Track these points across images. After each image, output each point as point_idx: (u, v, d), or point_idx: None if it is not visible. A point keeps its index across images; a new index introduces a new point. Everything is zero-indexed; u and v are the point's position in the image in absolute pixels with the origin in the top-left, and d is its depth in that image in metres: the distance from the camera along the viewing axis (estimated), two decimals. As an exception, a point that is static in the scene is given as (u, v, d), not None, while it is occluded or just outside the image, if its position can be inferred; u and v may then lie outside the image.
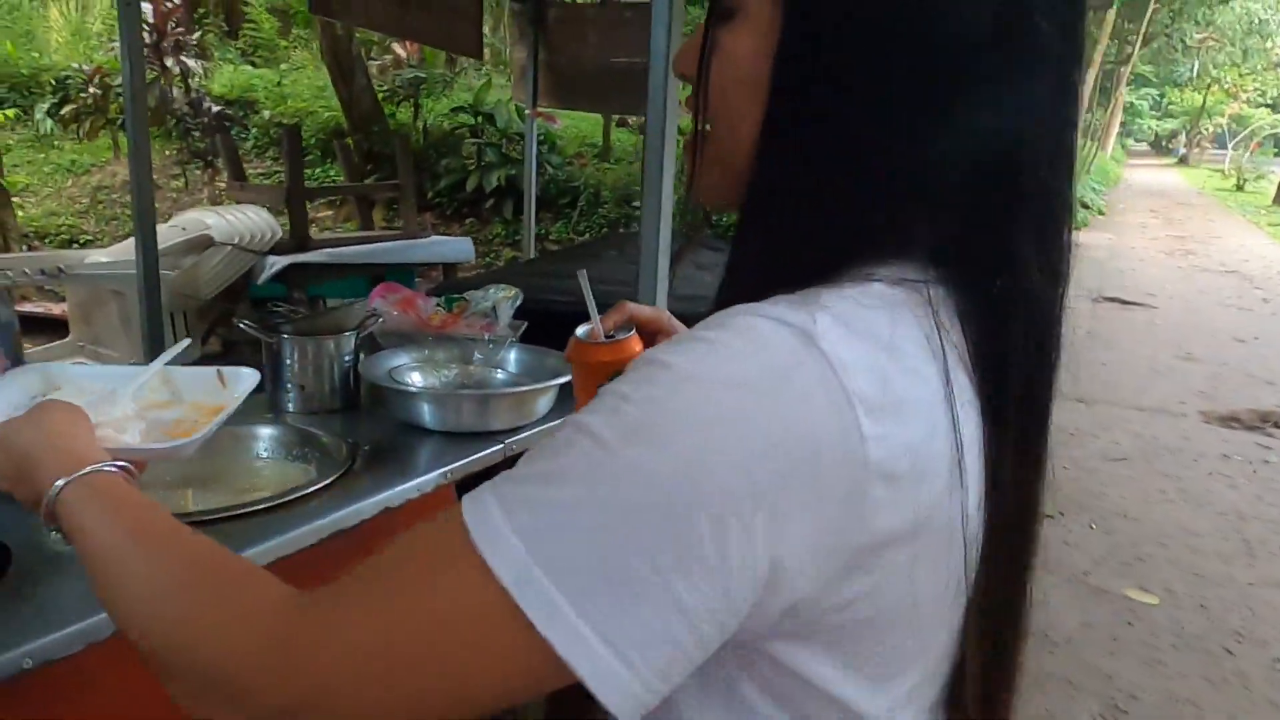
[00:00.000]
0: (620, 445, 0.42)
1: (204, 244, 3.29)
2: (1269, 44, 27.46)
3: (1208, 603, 2.94)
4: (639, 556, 0.40)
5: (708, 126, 0.54)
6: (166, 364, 1.05)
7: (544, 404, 1.53)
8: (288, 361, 1.51)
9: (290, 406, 1.53)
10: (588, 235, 8.88)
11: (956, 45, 0.46)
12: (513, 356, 1.70)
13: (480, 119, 9.38)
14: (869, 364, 0.44)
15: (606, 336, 0.91)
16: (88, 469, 0.64)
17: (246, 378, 1.04)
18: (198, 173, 9.27)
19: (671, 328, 0.95)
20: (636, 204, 9.07)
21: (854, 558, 0.44)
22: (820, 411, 0.42)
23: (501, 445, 1.45)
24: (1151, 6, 19.49)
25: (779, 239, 0.51)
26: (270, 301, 3.34)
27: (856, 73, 0.47)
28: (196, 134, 8.86)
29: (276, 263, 3.45)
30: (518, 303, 1.86)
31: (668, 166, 1.86)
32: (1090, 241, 12.67)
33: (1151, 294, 8.67)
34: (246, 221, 3.37)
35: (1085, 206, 15.71)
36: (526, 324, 1.86)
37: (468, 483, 1.96)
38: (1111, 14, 15.02)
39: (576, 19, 5.19)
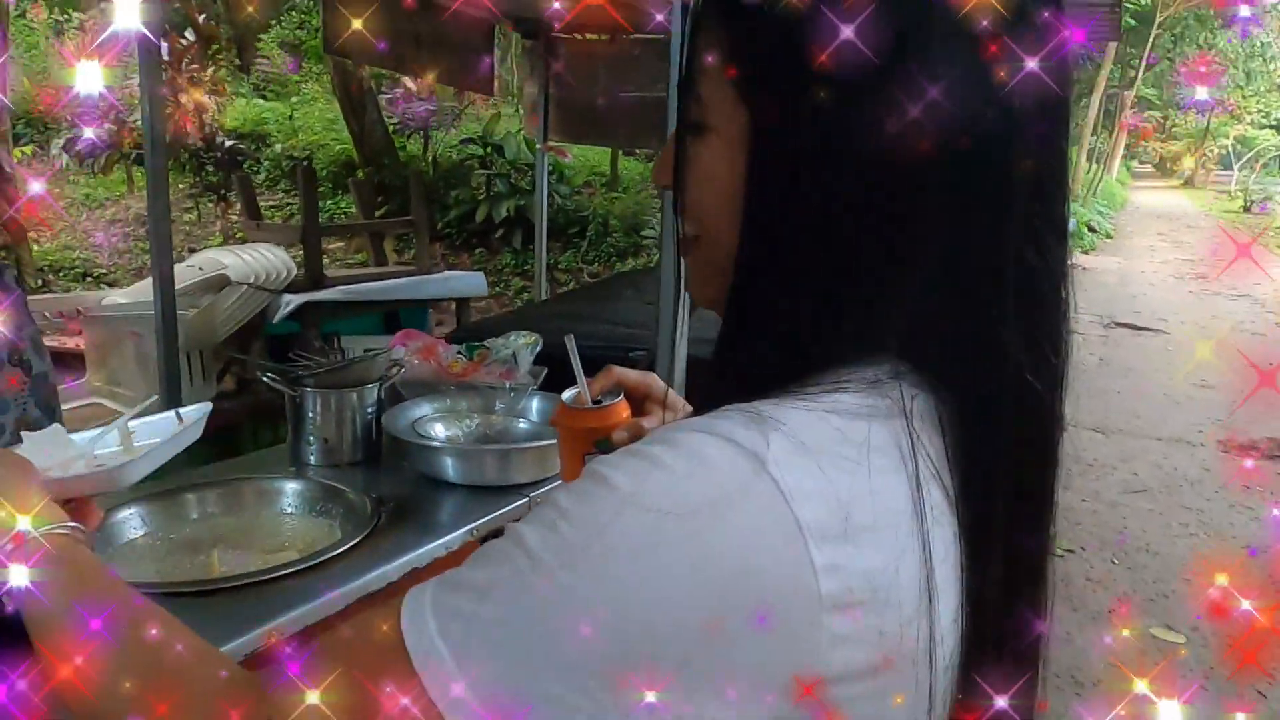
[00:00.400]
0: (553, 568, 0.41)
1: (220, 283, 3.30)
2: (1271, 67, 27.62)
3: (1235, 641, 2.89)
4: (559, 683, 0.40)
5: (693, 232, 0.55)
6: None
7: (568, 456, 1.52)
8: (310, 414, 1.50)
9: (312, 460, 1.52)
10: (596, 265, 8.92)
11: (926, 160, 0.45)
12: (534, 405, 1.69)
13: (489, 150, 9.46)
14: (823, 490, 0.42)
15: (594, 402, 0.87)
16: (41, 530, 0.62)
17: (199, 410, 1.02)
18: (210, 206, 9.36)
19: (659, 394, 0.91)
20: (645, 233, 9.11)
21: (809, 698, 0.42)
22: (767, 542, 0.40)
23: (526, 499, 1.44)
24: (1154, 33, 19.63)
25: (754, 342, 0.51)
26: (286, 340, 3.35)
27: (828, 188, 0.47)
28: (210, 168, 8.96)
29: (291, 301, 3.46)
30: (538, 349, 1.86)
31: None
32: (1099, 265, 12.64)
33: (1163, 319, 8.63)
34: (263, 260, 3.39)
35: (1092, 230, 15.71)
36: (547, 370, 1.85)
37: (492, 535, 1.94)
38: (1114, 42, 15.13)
39: (586, 55, 5.25)
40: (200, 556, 1.21)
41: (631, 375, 0.91)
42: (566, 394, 0.89)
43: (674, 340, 1.88)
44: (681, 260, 0.58)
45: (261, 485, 1.39)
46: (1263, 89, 28.25)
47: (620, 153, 10.67)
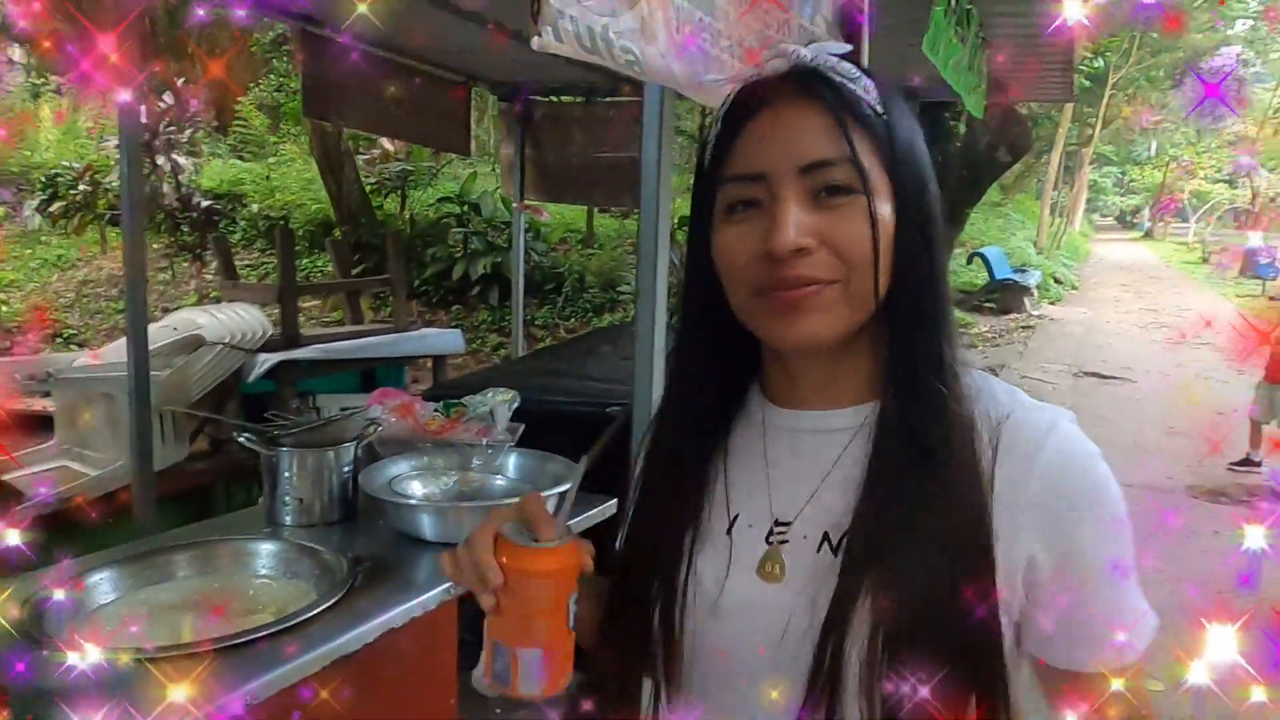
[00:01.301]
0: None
1: (195, 343, 3.29)
2: (1219, 125, 28.81)
3: (1212, 689, 2.89)
4: None
5: (836, 276, 0.64)
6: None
7: (546, 512, 1.52)
8: (286, 474, 1.50)
9: (288, 520, 1.51)
10: (573, 320, 8.97)
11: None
12: (512, 461, 1.70)
13: (466, 209, 9.58)
14: None
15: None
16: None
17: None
18: (185, 265, 9.34)
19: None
20: (620, 289, 9.20)
21: None
22: None
23: (504, 556, 1.44)
24: (1109, 92, 20.45)
25: (918, 346, 0.67)
26: (261, 400, 3.33)
27: (934, 226, 0.66)
28: (185, 228, 8.97)
29: (267, 360, 3.45)
30: (515, 405, 1.87)
31: (661, 263, 1.90)
32: (1067, 316, 12.92)
33: (1129, 368, 8.81)
34: (238, 320, 3.38)
35: (1058, 282, 16.10)
36: (524, 426, 1.87)
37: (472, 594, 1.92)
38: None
39: (562, 117, 5.37)
40: (174, 620, 1.20)
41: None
42: (510, 529, 0.66)
43: (650, 395, 1.90)
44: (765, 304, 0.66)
45: (236, 547, 1.38)
46: (1213, 145, 29.38)
47: (596, 210, 10.83)
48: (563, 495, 0.72)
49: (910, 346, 0.66)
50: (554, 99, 5.51)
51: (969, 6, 2.88)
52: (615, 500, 1.77)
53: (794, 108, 0.63)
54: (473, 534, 0.66)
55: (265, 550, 1.37)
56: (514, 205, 5.50)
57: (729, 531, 0.70)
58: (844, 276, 0.63)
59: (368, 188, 10.17)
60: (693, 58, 0.95)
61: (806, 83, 0.64)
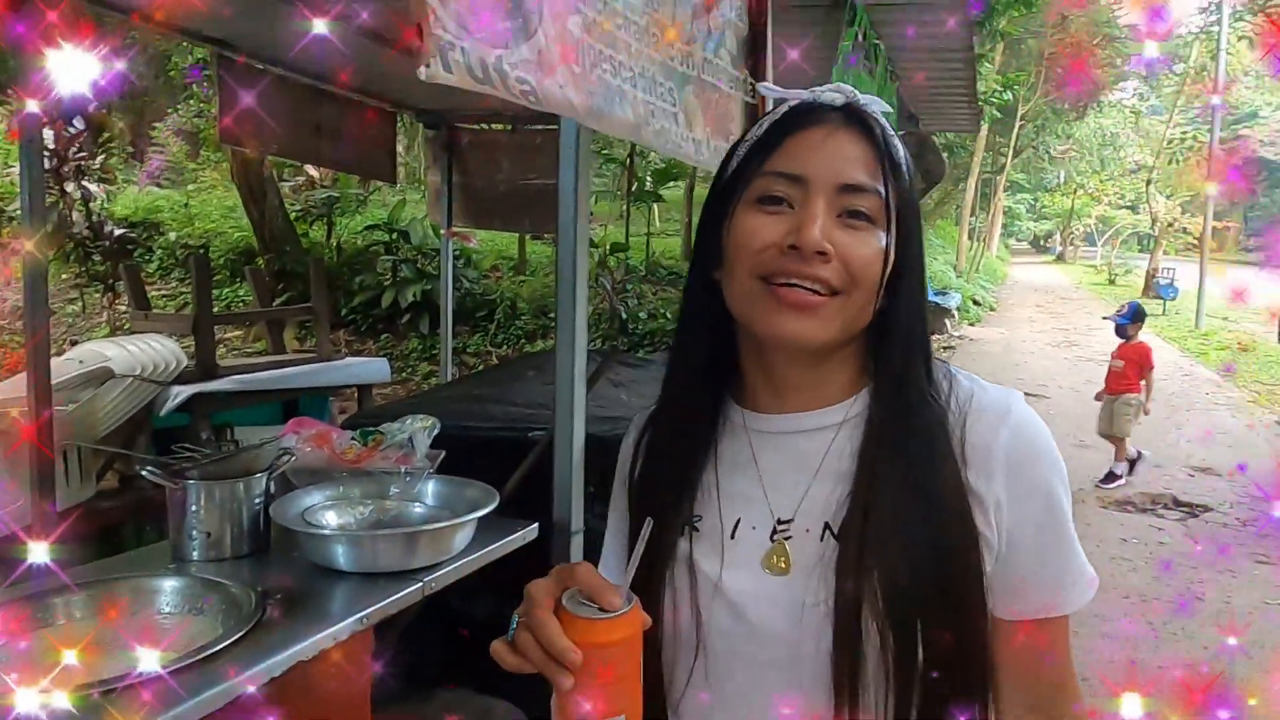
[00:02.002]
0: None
1: (104, 376, 3.16)
2: (1121, 154, 30.53)
3: (1120, 689, 3.02)
4: None
5: (843, 287, 0.71)
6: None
7: (462, 539, 1.52)
8: (193, 508, 1.46)
9: (195, 555, 1.47)
10: (505, 347, 8.92)
11: None
12: (430, 488, 1.69)
13: (395, 236, 9.46)
14: None
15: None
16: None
17: None
18: (96, 296, 8.96)
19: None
20: (552, 315, 9.17)
21: None
22: None
23: (420, 584, 1.42)
24: (1019, 123, 21.49)
25: (902, 346, 0.76)
26: (174, 433, 3.22)
27: (923, 258, 0.77)
28: (97, 258, 8.62)
29: (180, 392, 3.34)
30: (435, 432, 1.86)
31: (581, 289, 1.92)
32: (986, 336, 13.43)
33: (1044, 384, 9.20)
34: (149, 351, 3.27)
35: (977, 304, 16.74)
36: (444, 453, 1.85)
37: (387, 624, 1.89)
38: (984, 130, 16.50)
39: (488, 144, 5.37)
40: (69, 663, 1.15)
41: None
42: (570, 603, 0.63)
43: (571, 420, 1.91)
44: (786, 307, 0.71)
45: (137, 584, 1.34)
46: (1116, 174, 31.09)
47: (528, 236, 10.83)
48: (630, 553, 0.68)
49: (897, 357, 0.74)
50: (481, 126, 5.52)
51: (876, 42, 3.02)
52: (536, 525, 1.77)
53: (846, 134, 0.72)
54: (531, 617, 0.62)
55: (169, 587, 1.33)
56: (442, 232, 5.47)
57: (733, 534, 0.75)
58: (847, 291, 0.70)
59: (293, 215, 9.96)
60: (593, 89, 0.98)
61: (862, 119, 0.73)
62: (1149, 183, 24.51)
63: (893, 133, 0.76)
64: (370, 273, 9.32)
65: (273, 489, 1.60)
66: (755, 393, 0.79)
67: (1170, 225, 23.71)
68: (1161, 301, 18.14)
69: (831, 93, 0.75)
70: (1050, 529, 0.73)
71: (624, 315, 8.83)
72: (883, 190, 0.71)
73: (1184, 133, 25.35)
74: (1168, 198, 24.68)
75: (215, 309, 8.07)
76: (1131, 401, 5.85)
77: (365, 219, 10.73)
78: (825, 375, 0.76)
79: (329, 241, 10.15)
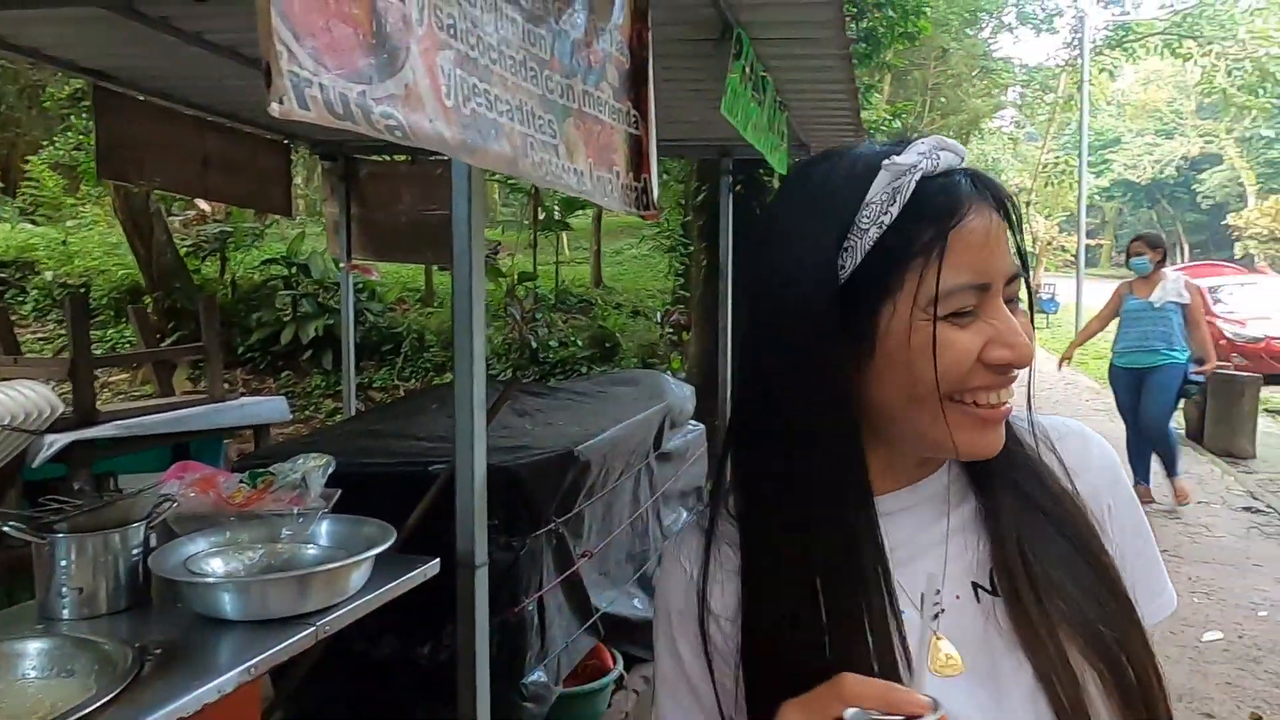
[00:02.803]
0: None
1: (-34, 428, 2.94)
2: (1003, 177, 32.55)
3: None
4: None
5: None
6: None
7: (358, 578, 1.48)
8: (62, 563, 1.38)
9: (66, 613, 1.38)
10: (413, 380, 8.74)
11: None
12: (325, 529, 1.64)
13: (294, 270, 9.18)
14: None
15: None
16: None
17: None
18: (-37, 342, 8.33)
19: None
20: (463, 346, 9.06)
21: None
22: None
23: (313, 628, 1.38)
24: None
25: None
26: (50, 485, 3.02)
27: None
28: (-37, 300, 8.03)
29: (56, 441, 3.14)
30: (330, 470, 1.81)
31: (478, 319, 1.91)
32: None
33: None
34: (19, 399, 3.06)
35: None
36: (340, 492, 1.81)
37: (281, 671, 1.82)
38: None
39: (388, 175, 5.31)
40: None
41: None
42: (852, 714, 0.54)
43: (472, 452, 1.89)
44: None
45: (-1, 649, 1.25)
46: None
47: (435, 268, 10.68)
48: None
49: None
50: (380, 157, 5.44)
51: (764, 74, 3.14)
52: (438, 560, 1.74)
53: (994, 215, 0.65)
54: None
55: (34, 649, 1.24)
56: (341, 265, 5.35)
57: (901, 640, 0.64)
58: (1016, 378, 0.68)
59: (183, 251, 9.55)
60: (467, 123, 1.00)
61: (990, 186, 0.66)
62: (1028, 204, 26.12)
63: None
64: (269, 309, 9.00)
65: (153, 539, 1.52)
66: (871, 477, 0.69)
67: (1049, 243, 25.33)
68: (1044, 315, 19.29)
69: (946, 154, 0.65)
70: (1145, 536, 0.75)
71: (534, 344, 8.79)
72: (1023, 265, 0.68)
73: (1057, 157, 27.18)
74: (1046, 218, 26.37)
75: (99, 351, 7.63)
76: None
77: (262, 253, 10.38)
78: None
79: (223, 278, 9.76)
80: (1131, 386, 5.29)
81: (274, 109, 0.64)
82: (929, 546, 0.69)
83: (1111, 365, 5.50)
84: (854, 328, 0.64)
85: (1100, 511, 0.72)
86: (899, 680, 0.59)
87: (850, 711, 0.53)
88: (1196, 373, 5.25)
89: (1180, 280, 5.25)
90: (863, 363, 0.65)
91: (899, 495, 0.70)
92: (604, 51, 1.44)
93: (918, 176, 0.63)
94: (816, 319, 0.64)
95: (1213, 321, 11.57)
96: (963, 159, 0.66)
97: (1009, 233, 0.66)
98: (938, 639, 0.65)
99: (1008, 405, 0.66)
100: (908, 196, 0.63)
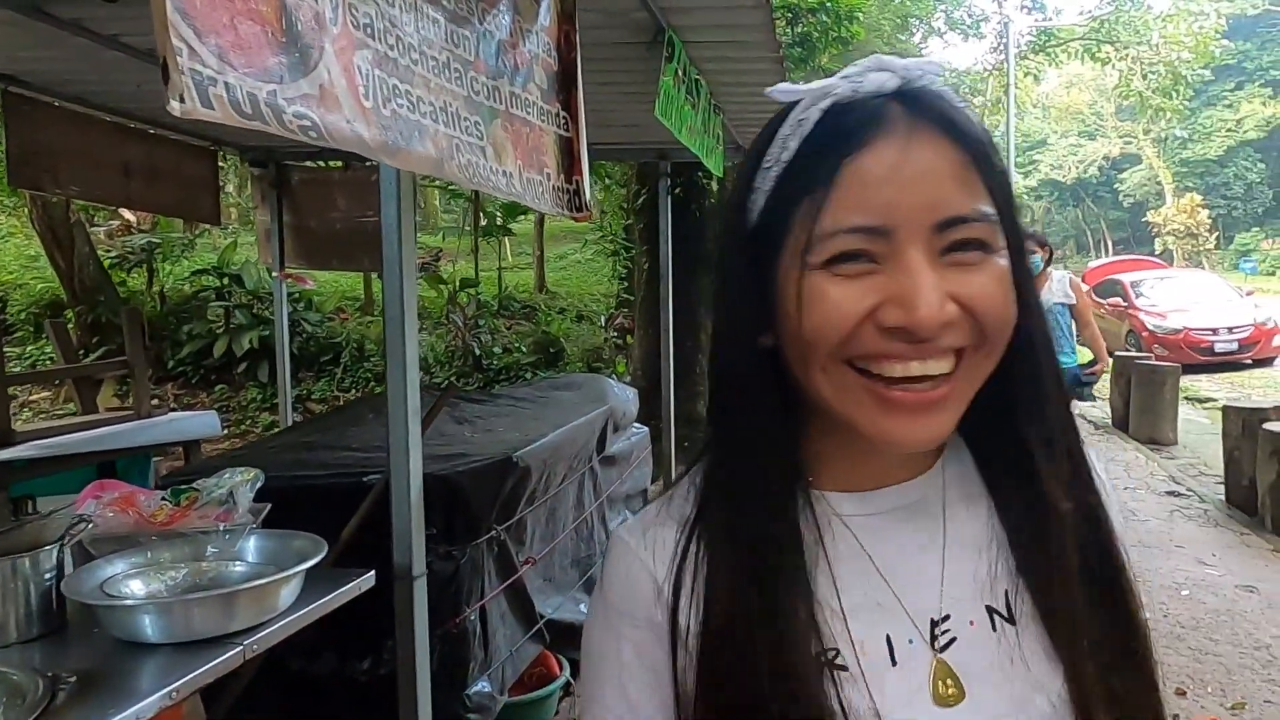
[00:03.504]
0: None
1: None
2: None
3: None
4: None
5: (967, 351, 0.54)
6: None
7: (288, 595, 1.43)
8: (-33, 591, 1.31)
9: (-28, 643, 1.31)
10: (353, 391, 8.56)
11: None
12: (253, 544, 1.59)
13: (226, 280, 8.92)
14: None
15: None
16: None
17: None
18: None
19: None
20: (404, 355, 8.92)
21: None
22: None
23: (240, 648, 1.33)
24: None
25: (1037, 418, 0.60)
26: (-40, 510, 2.87)
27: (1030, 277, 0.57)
28: None
29: (-32, 463, 2.99)
30: (259, 484, 1.75)
31: (409, 326, 1.88)
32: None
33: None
34: (-73, 421, 2.91)
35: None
36: (270, 506, 1.75)
37: (214, 693, 1.76)
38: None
39: (321, 182, 5.20)
40: None
41: None
42: None
43: (407, 461, 1.86)
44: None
45: (-104, 685, 1.18)
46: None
47: (374, 276, 10.48)
48: None
49: (1036, 404, 0.58)
50: (312, 163, 5.33)
51: (698, 77, 3.16)
52: (373, 572, 1.70)
53: (921, 143, 0.52)
54: None
55: (-65, 683, 1.18)
56: (274, 275, 5.21)
57: (893, 661, 0.56)
58: (977, 346, 0.53)
59: (107, 262, 9.20)
60: (388, 124, 0.98)
61: (932, 111, 0.53)
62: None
63: (965, 105, 0.55)
64: (200, 320, 8.73)
65: (68, 563, 1.45)
66: (832, 468, 0.60)
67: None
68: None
69: (879, 74, 0.53)
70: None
71: (478, 351, 8.70)
72: (991, 206, 0.52)
73: (987, 159, 27.99)
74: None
75: (16, 368, 7.28)
76: None
77: (192, 264, 10.06)
78: None
79: (151, 290, 9.43)
80: None
81: (174, 107, 0.62)
82: (930, 555, 0.58)
83: None
84: (759, 285, 0.55)
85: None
86: (824, 694, 0.53)
87: None
88: (1089, 374, 5.02)
89: (1065, 280, 4.93)
90: (774, 326, 0.55)
91: (881, 495, 0.59)
92: (530, 53, 1.43)
93: (826, 103, 0.53)
94: (728, 275, 0.57)
95: (1135, 314, 12.10)
96: (908, 79, 0.54)
97: (970, 168, 0.52)
98: (945, 665, 0.56)
99: (938, 390, 0.52)
100: (810, 128, 0.53)
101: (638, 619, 0.58)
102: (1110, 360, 5.49)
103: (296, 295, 8.25)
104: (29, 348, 8.81)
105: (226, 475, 1.71)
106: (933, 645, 0.56)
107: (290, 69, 0.79)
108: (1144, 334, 11.66)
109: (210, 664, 1.28)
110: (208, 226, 10.95)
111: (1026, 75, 22.39)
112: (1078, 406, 5.62)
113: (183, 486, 1.69)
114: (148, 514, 1.62)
